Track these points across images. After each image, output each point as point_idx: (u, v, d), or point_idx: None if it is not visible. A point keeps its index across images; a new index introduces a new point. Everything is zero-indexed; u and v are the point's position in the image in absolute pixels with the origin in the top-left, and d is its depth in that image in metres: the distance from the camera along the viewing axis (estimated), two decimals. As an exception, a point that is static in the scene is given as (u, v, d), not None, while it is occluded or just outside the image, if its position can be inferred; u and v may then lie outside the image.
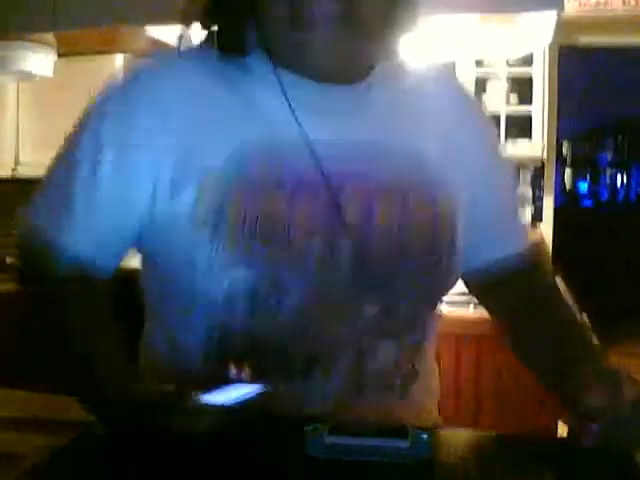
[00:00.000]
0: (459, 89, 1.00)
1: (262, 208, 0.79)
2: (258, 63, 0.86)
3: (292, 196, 0.80)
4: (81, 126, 0.89)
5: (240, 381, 0.75)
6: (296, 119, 0.83)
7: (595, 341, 0.97)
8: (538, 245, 1.03)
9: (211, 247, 0.79)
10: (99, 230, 0.86)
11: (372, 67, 0.88)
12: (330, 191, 0.81)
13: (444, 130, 0.90)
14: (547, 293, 0.99)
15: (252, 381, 0.74)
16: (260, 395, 0.74)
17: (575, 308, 1.00)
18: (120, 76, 0.90)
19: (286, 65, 0.84)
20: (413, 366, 0.92)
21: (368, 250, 0.83)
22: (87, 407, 0.82)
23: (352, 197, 0.82)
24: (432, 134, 0.89)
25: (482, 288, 1.01)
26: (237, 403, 0.73)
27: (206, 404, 0.73)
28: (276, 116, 0.83)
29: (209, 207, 0.79)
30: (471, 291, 1.03)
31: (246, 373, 0.75)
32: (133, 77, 0.89)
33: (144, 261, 0.93)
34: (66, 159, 0.89)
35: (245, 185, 0.80)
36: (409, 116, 0.89)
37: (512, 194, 1.02)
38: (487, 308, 1.03)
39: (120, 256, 0.90)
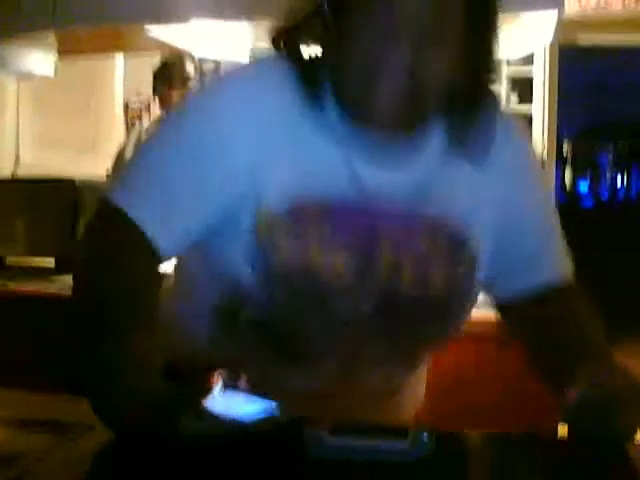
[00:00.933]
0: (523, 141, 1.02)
1: (305, 259, 0.84)
2: (328, 106, 0.87)
3: (333, 250, 0.85)
4: (185, 115, 0.91)
5: (238, 387, 0.76)
6: (354, 171, 0.86)
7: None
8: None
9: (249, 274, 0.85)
10: (181, 215, 0.87)
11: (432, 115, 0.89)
12: (367, 250, 0.86)
13: (500, 185, 0.92)
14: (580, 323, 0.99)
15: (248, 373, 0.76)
16: (272, 413, 0.75)
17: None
18: (226, 76, 0.97)
19: (350, 109, 0.86)
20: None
21: (391, 305, 0.88)
22: (96, 405, 0.80)
23: (389, 249, 0.87)
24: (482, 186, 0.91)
25: (516, 318, 1.01)
26: (249, 419, 0.74)
27: (217, 417, 0.73)
28: (334, 163, 0.86)
29: (259, 241, 0.84)
30: (506, 321, 1.04)
31: (244, 381, 0.76)
32: (240, 80, 0.91)
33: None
34: (163, 144, 0.90)
35: (295, 233, 0.84)
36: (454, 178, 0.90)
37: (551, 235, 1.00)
38: (515, 335, 1.05)
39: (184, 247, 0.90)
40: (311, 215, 0.85)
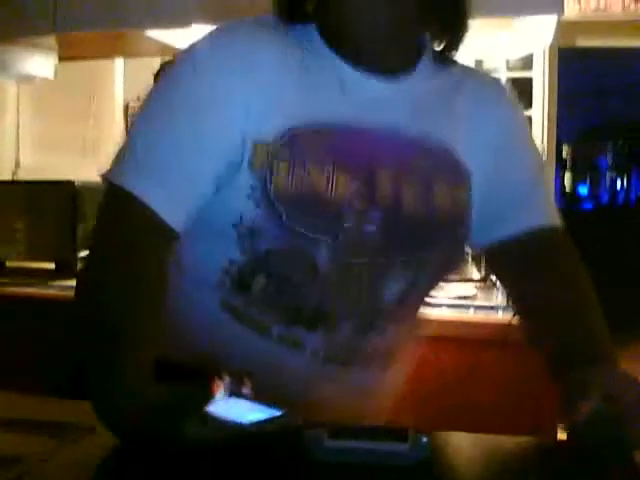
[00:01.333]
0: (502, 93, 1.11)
1: (305, 181, 0.86)
2: (317, 44, 0.91)
3: (334, 171, 0.87)
4: (177, 75, 0.91)
5: (241, 394, 0.76)
6: (343, 102, 0.90)
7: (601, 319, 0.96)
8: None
9: (255, 210, 0.86)
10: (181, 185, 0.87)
11: (419, 58, 0.95)
12: (367, 170, 0.89)
13: (480, 128, 0.98)
14: (567, 270, 1.03)
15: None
16: (279, 419, 0.75)
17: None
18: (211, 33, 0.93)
19: (337, 47, 0.91)
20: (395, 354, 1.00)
21: (396, 224, 0.90)
22: (99, 408, 0.79)
23: (386, 178, 0.90)
24: (467, 128, 0.97)
25: (505, 260, 1.04)
26: (256, 425, 0.74)
27: (224, 422, 0.73)
28: (329, 96, 0.90)
29: (258, 173, 0.86)
30: (493, 265, 1.08)
31: (248, 388, 0.76)
32: (225, 33, 0.92)
33: None
34: (159, 112, 0.90)
35: (293, 158, 0.86)
36: (446, 109, 0.97)
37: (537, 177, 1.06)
38: (505, 285, 1.09)
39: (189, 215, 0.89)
40: (309, 140, 0.87)
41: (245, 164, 0.86)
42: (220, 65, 0.88)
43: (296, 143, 0.87)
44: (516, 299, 1.06)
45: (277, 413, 0.77)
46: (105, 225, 0.87)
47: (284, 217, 0.86)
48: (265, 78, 0.88)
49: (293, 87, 0.89)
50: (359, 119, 0.90)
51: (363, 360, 0.96)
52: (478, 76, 1.11)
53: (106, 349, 0.79)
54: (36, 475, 0.73)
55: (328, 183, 0.86)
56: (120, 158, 0.88)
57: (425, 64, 0.96)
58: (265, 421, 0.75)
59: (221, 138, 0.87)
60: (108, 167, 0.88)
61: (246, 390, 0.77)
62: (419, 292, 0.99)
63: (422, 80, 0.95)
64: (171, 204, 0.85)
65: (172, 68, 0.92)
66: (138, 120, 0.92)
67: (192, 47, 0.91)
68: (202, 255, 0.95)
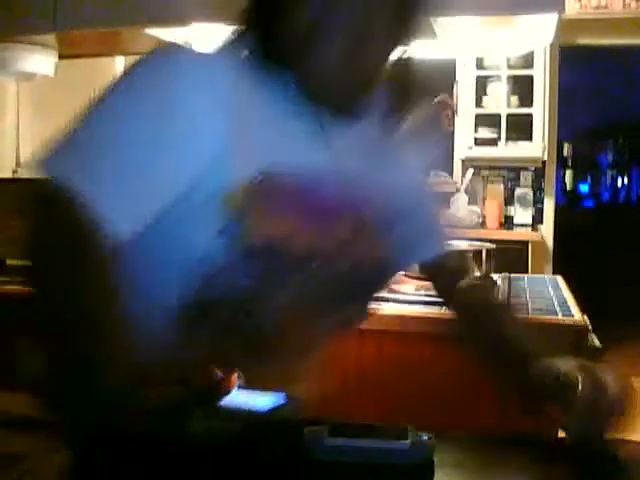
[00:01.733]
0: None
1: (271, 228, 0.85)
2: (287, 90, 0.90)
3: (300, 217, 0.88)
4: (142, 95, 0.85)
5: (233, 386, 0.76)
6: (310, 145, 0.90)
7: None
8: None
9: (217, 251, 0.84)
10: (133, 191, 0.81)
11: (368, 108, 0.95)
12: (333, 217, 0.91)
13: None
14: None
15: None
16: (287, 404, 0.75)
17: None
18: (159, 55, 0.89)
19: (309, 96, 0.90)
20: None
21: (358, 270, 0.93)
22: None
23: (350, 224, 0.92)
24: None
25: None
26: (266, 411, 0.74)
27: (234, 409, 0.73)
28: (297, 143, 0.90)
29: (222, 215, 0.84)
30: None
31: (241, 378, 0.76)
32: (182, 59, 0.88)
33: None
34: (118, 121, 0.84)
35: (259, 204, 0.85)
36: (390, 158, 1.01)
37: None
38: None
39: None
40: (276, 186, 0.86)
41: (209, 205, 0.84)
42: (192, 101, 0.84)
43: (263, 188, 0.85)
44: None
45: (282, 400, 0.77)
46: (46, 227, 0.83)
47: (247, 261, 0.85)
48: (233, 120, 0.86)
49: (260, 131, 0.88)
50: (325, 166, 0.90)
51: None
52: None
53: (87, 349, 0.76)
54: (36, 475, 0.73)
55: (293, 230, 0.87)
56: (67, 153, 0.83)
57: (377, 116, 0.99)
58: (276, 408, 0.76)
59: (179, 176, 0.84)
60: (50, 158, 0.82)
61: (241, 381, 0.77)
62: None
63: (375, 130, 0.98)
64: (121, 210, 0.79)
65: (144, 78, 0.87)
66: (93, 119, 0.86)
67: (166, 72, 0.87)
68: (155, 283, 0.91)
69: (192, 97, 0.84)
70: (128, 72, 0.87)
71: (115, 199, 0.78)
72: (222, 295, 0.87)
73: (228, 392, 0.75)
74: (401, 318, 1.63)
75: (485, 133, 4.03)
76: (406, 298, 1.72)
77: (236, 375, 0.77)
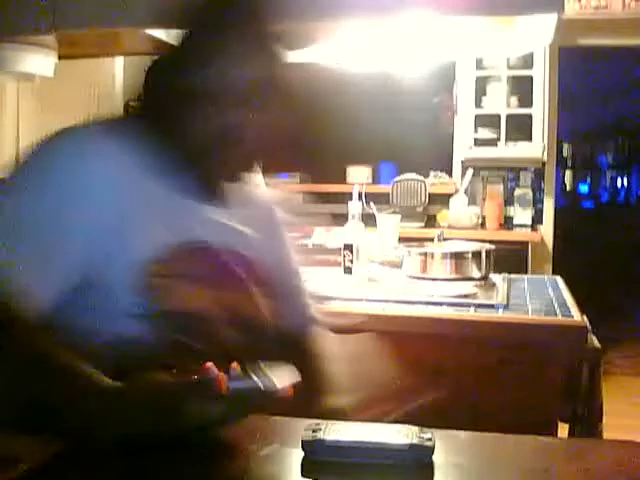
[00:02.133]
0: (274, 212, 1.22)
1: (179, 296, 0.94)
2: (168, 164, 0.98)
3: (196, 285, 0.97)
4: (45, 178, 0.91)
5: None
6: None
7: None
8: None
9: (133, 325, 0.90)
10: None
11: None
12: (217, 274, 1.01)
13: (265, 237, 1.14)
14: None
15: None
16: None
17: None
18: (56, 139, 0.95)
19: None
20: None
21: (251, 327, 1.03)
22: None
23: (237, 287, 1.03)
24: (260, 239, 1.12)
25: None
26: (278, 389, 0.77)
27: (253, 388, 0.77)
28: (182, 213, 0.99)
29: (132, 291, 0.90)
30: None
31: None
32: (80, 140, 0.94)
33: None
34: (23, 204, 0.90)
35: (167, 276, 0.93)
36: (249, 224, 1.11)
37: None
38: None
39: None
40: (173, 258, 0.94)
41: (118, 278, 0.90)
42: (92, 181, 0.90)
43: (164, 262, 0.93)
44: None
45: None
46: None
47: (163, 329, 0.91)
48: (131, 197, 0.92)
49: (156, 206, 0.95)
50: (208, 239, 1.00)
51: None
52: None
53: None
54: (36, 475, 0.73)
55: (193, 296, 0.95)
56: None
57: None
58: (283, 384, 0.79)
59: (88, 253, 0.89)
60: None
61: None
62: None
63: (238, 207, 1.09)
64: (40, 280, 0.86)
65: (46, 162, 0.92)
66: (6, 199, 0.91)
67: (68, 154, 0.93)
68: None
69: (93, 177, 0.90)
70: (35, 153, 0.93)
71: (33, 277, 0.85)
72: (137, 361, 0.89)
73: (219, 389, 0.76)
74: (401, 318, 1.63)
75: (485, 133, 4.03)
76: (406, 298, 1.72)
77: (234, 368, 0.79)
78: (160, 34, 2.48)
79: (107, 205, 0.90)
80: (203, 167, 1.01)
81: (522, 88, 3.98)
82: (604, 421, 1.58)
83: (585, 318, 1.58)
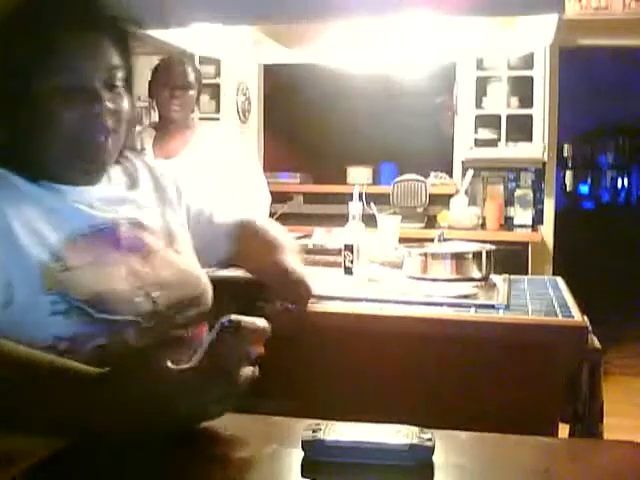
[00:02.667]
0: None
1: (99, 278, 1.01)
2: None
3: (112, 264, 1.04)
4: None
5: None
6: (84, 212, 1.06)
7: None
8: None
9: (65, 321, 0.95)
10: None
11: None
12: (122, 254, 1.07)
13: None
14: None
15: None
16: None
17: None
18: None
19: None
20: None
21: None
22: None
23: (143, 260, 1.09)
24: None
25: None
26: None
27: None
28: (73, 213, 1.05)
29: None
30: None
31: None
32: None
33: None
34: None
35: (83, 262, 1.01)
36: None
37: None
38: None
39: None
40: (80, 251, 1.01)
41: (35, 287, 0.95)
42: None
43: (72, 257, 0.99)
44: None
45: None
46: None
47: (94, 313, 0.96)
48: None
49: (43, 225, 1.00)
50: (104, 219, 1.07)
51: None
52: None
53: None
54: (35, 475, 0.73)
55: (109, 278, 1.02)
56: None
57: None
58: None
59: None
60: None
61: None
62: None
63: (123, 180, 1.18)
64: None
65: None
66: None
67: None
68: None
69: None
70: None
71: None
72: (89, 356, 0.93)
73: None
74: (402, 319, 1.63)
75: (485, 134, 4.03)
76: (406, 299, 1.72)
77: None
78: (160, 35, 2.48)
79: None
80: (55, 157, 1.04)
81: (522, 88, 3.98)
82: (605, 421, 1.58)
83: (585, 318, 1.58)
